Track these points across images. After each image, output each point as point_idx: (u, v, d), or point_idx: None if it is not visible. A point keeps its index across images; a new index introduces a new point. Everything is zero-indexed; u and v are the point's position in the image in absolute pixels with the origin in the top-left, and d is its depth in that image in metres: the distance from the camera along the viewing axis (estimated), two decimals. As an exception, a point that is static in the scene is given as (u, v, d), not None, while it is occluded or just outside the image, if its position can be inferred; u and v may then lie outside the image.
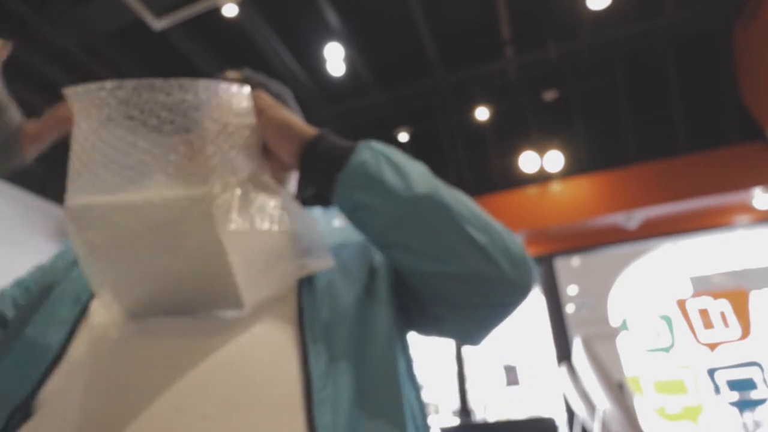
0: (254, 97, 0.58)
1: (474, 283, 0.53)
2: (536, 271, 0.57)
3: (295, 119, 0.60)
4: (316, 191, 0.63)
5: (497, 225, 0.55)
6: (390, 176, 0.53)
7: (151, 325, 0.48)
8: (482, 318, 0.58)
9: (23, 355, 0.50)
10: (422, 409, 0.56)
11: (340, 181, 0.54)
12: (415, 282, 0.58)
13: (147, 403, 0.41)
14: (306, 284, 0.55)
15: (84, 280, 0.57)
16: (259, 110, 0.57)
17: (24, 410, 0.45)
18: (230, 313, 0.50)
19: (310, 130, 0.59)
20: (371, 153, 0.55)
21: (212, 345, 0.46)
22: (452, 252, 0.52)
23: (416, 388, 0.57)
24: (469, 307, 0.57)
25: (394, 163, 0.55)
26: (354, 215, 0.56)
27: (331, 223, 0.70)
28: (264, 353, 0.47)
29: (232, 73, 0.80)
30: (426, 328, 0.64)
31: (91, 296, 0.55)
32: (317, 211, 0.75)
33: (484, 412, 8.07)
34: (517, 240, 0.56)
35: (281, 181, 0.77)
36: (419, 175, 0.54)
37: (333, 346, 0.49)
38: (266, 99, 0.60)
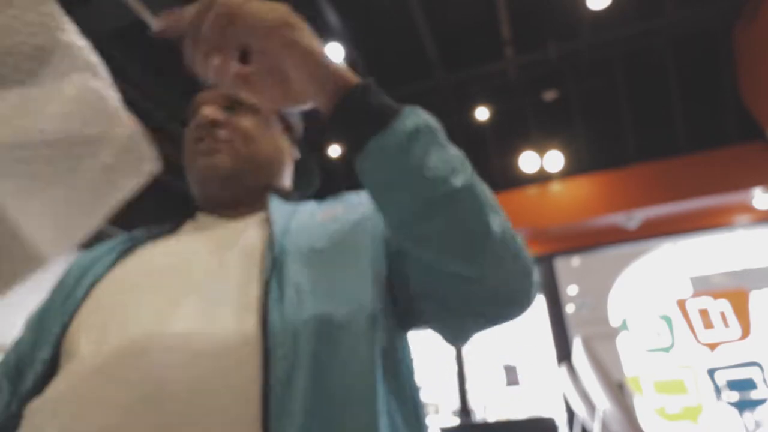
0: None
1: (485, 290, 0.51)
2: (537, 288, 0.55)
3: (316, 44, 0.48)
4: (344, 156, 0.57)
5: (517, 235, 0.53)
6: (435, 157, 0.47)
7: None
8: (475, 325, 0.56)
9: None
10: (416, 415, 0.52)
11: (376, 149, 0.46)
12: (418, 277, 0.54)
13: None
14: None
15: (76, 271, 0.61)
16: (263, 24, 0.45)
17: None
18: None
19: (347, 73, 0.48)
20: (421, 122, 0.47)
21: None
22: (473, 253, 0.48)
23: (405, 396, 0.52)
24: (468, 314, 0.55)
25: (440, 142, 0.48)
26: (382, 195, 0.48)
27: (314, 216, 0.65)
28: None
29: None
30: (404, 322, 0.59)
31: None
32: (310, 205, 0.71)
33: (484, 412, 8.08)
34: (528, 253, 0.54)
35: (264, 119, 0.75)
36: (461, 161, 0.49)
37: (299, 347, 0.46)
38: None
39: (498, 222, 0.49)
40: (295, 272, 0.52)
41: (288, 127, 0.82)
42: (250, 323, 0.48)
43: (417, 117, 0.47)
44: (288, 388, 0.43)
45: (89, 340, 0.49)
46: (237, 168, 0.71)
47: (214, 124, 0.72)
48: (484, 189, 0.50)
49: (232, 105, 0.76)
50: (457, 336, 0.59)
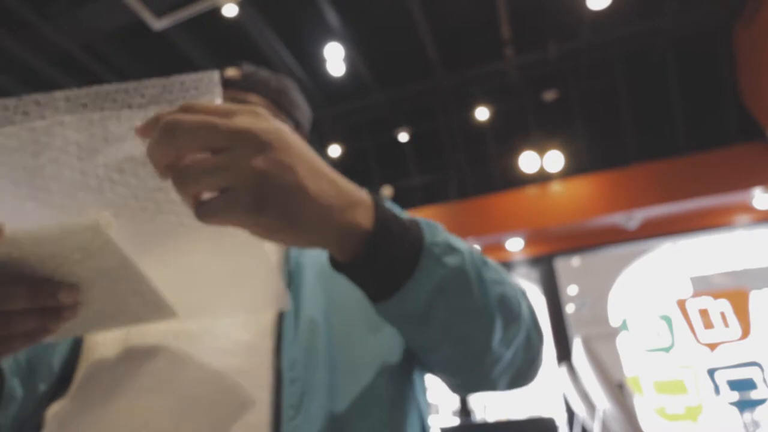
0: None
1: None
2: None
3: (333, 183, 0.37)
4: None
5: (540, 337, 0.52)
6: (458, 319, 0.43)
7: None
8: (478, 388, 0.56)
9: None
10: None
11: (395, 311, 0.41)
12: (427, 362, 0.53)
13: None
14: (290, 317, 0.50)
15: None
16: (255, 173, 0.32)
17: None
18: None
19: (361, 217, 0.38)
20: (444, 273, 0.41)
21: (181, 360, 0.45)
22: (489, 381, 0.49)
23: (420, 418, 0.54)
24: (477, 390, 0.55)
25: (464, 291, 0.42)
26: (402, 327, 0.44)
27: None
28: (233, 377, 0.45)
29: (230, 71, 0.78)
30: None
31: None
32: None
33: (484, 412, 8.07)
34: (543, 342, 0.54)
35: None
36: (493, 285, 0.45)
37: (310, 376, 0.47)
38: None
39: (524, 345, 0.49)
40: (311, 294, 0.53)
41: (297, 125, 0.79)
42: (265, 340, 0.49)
43: (440, 267, 0.40)
44: (298, 413, 0.44)
45: (107, 339, 0.49)
46: None
47: None
48: (510, 314, 0.46)
49: (241, 104, 0.73)
50: (463, 390, 0.57)
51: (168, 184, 0.33)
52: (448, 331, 0.43)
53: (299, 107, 0.81)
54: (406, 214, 0.68)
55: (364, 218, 0.38)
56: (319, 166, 0.36)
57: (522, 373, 0.51)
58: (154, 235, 0.39)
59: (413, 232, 0.40)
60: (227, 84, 0.74)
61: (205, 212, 0.32)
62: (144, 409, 0.43)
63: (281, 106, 0.77)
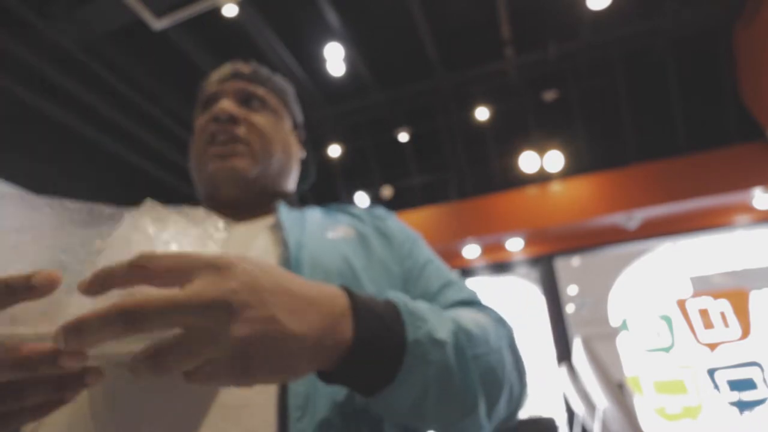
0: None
1: None
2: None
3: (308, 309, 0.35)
4: None
5: (522, 394, 0.55)
6: (446, 413, 0.43)
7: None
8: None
9: None
10: None
11: (382, 405, 0.41)
12: None
13: None
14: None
15: None
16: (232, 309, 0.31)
17: None
18: None
19: (343, 330, 0.37)
20: (423, 378, 0.40)
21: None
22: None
23: None
24: None
25: (449, 389, 0.42)
26: (387, 414, 0.44)
27: (325, 231, 0.64)
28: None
29: (241, 65, 0.78)
30: None
31: None
32: (316, 212, 0.70)
33: (484, 412, 8.08)
34: (526, 388, 0.56)
35: None
36: (471, 396, 0.44)
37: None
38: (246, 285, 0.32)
39: (506, 402, 0.51)
40: None
41: (296, 125, 0.79)
42: None
43: (423, 365, 0.40)
44: (305, 414, 0.44)
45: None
46: (256, 171, 0.68)
47: (231, 119, 0.68)
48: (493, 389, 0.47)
49: (248, 98, 0.72)
50: None
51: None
52: (433, 416, 0.43)
53: (296, 109, 0.81)
54: (402, 226, 0.67)
55: (346, 330, 0.37)
56: (296, 294, 0.34)
57: (504, 420, 0.53)
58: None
59: (395, 332, 0.39)
60: (231, 77, 0.74)
61: (191, 380, 0.31)
62: (146, 409, 0.42)
63: (285, 104, 0.78)
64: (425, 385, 0.40)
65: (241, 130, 0.69)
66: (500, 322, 0.57)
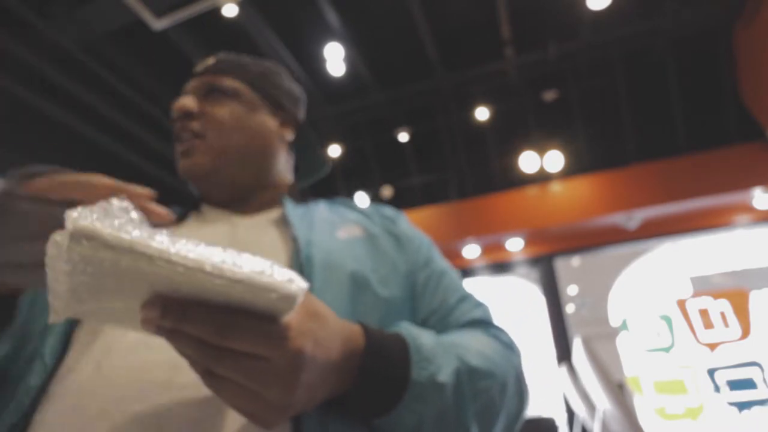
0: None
1: None
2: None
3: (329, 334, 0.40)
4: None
5: (522, 409, 0.57)
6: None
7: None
8: None
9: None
10: None
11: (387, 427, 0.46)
12: None
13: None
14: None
15: None
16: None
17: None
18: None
19: (353, 355, 0.43)
20: (425, 413, 0.45)
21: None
22: None
23: None
24: None
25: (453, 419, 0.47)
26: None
27: (334, 228, 0.63)
28: None
29: (207, 59, 0.75)
30: None
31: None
32: (322, 207, 0.69)
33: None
34: (527, 400, 0.58)
35: None
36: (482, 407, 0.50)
37: None
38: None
39: (504, 426, 0.53)
40: (322, 286, 0.52)
41: (278, 107, 0.75)
42: None
43: (421, 405, 0.44)
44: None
45: (90, 359, 0.46)
46: (215, 166, 0.67)
47: (187, 115, 0.68)
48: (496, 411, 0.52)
49: (209, 91, 0.70)
50: None
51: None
52: None
53: (284, 91, 0.77)
54: (409, 224, 0.68)
55: (355, 356, 0.43)
56: (332, 329, 0.41)
57: None
58: None
59: (400, 369, 0.44)
60: (198, 73, 0.73)
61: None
62: (141, 362, 0.44)
63: (258, 89, 0.74)
64: (420, 421, 0.45)
65: (195, 125, 0.68)
66: (510, 347, 0.59)
